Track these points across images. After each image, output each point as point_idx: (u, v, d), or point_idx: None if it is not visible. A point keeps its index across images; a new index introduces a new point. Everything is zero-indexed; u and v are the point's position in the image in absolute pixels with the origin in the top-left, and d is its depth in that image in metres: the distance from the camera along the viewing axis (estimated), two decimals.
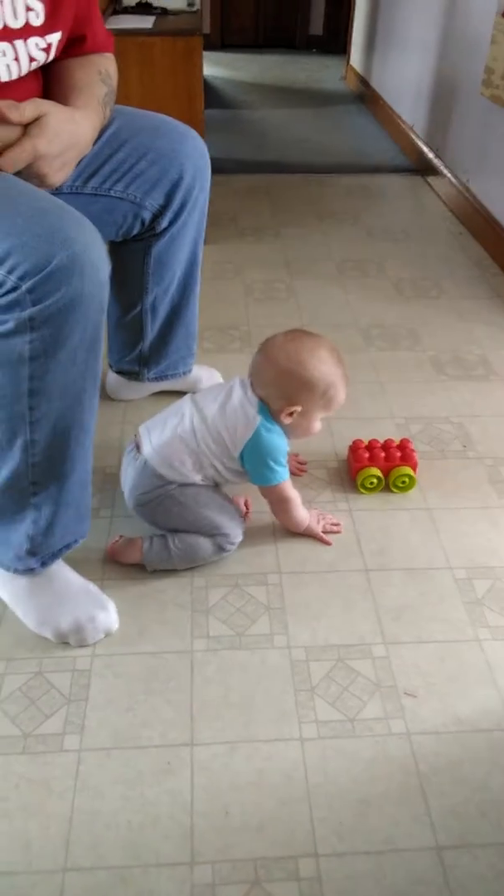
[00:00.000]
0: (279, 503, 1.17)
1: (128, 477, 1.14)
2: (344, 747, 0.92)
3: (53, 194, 0.94)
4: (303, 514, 1.20)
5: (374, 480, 1.29)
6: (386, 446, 1.32)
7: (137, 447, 1.13)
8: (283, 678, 1.00)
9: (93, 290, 0.84)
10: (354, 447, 1.33)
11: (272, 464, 1.10)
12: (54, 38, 1.01)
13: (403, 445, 1.32)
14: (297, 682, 0.99)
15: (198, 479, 1.10)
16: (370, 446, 1.32)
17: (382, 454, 1.30)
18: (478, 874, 0.80)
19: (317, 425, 1.14)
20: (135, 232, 1.25)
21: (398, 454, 1.30)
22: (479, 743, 0.93)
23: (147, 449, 1.11)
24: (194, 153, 1.22)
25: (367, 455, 1.30)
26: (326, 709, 0.96)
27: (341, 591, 1.13)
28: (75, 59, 1.09)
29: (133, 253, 1.30)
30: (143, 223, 1.24)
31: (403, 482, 1.30)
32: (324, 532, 1.22)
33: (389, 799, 0.87)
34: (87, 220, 0.86)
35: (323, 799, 0.87)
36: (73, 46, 1.09)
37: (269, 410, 1.10)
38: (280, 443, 1.10)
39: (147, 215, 1.23)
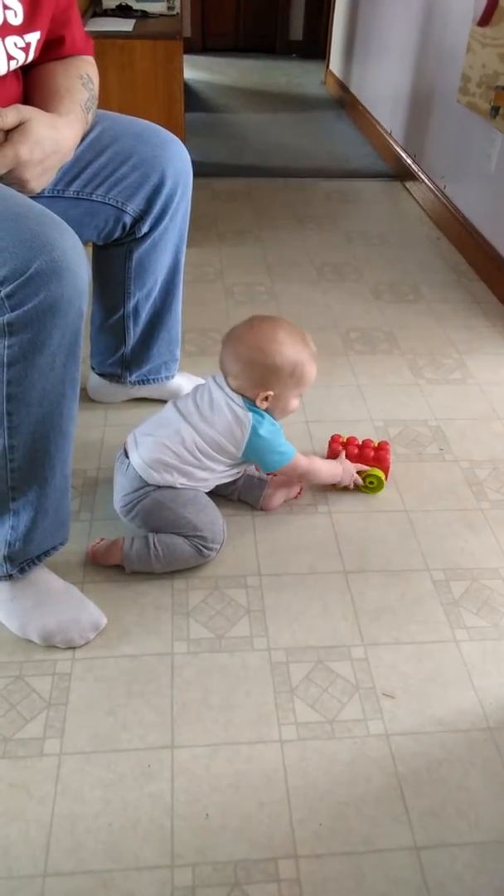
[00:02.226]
0: (303, 477, 1.25)
1: (117, 484, 1.17)
2: (323, 749, 0.93)
3: (34, 198, 0.94)
4: (333, 472, 1.26)
5: None
6: (363, 445, 1.34)
7: (126, 454, 1.16)
8: (262, 680, 1.00)
9: (72, 296, 0.84)
10: (332, 440, 1.36)
11: (278, 448, 1.15)
12: (33, 37, 1.01)
13: (381, 447, 1.33)
14: (276, 683, 1.00)
15: (178, 483, 1.12)
16: (348, 442, 1.34)
17: (356, 451, 1.32)
18: (456, 874, 0.81)
19: (294, 403, 1.18)
20: (116, 236, 1.25)
21: (371, 454, 1.32)
22: (456, 743, 0.94)
23: (135, 457, 1.13)
24: (176, 159, 1.22)
25: (338, 448, 1.33)
26: (306, 710, 0.97)
27: (320, 593, 1.14)
28: (57, 63, 1.09)
29: (115, 257, 1.30)
30: (124, 227, 1.24)
31: (371, 483, 1.31)
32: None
33: (368, 800, 0.88)
34: (67, 226, 0.86)
35: (302, 800, 0.87)
36: (52, 49, 1.09)
37: (247, 400, 1.13)
38: (275, 428, 1.15)
39: (128, 220, 1.23)
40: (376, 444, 1.34)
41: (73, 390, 0.92)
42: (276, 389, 1.13)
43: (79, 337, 0.89)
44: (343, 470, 1.28)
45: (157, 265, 1.32)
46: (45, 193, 1.11)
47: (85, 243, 0.92)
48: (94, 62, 1.16)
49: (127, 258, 1.30)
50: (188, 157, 1.26)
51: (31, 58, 1.03)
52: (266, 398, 1.13)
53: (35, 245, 0.81)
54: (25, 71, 1.07)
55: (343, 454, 1.31)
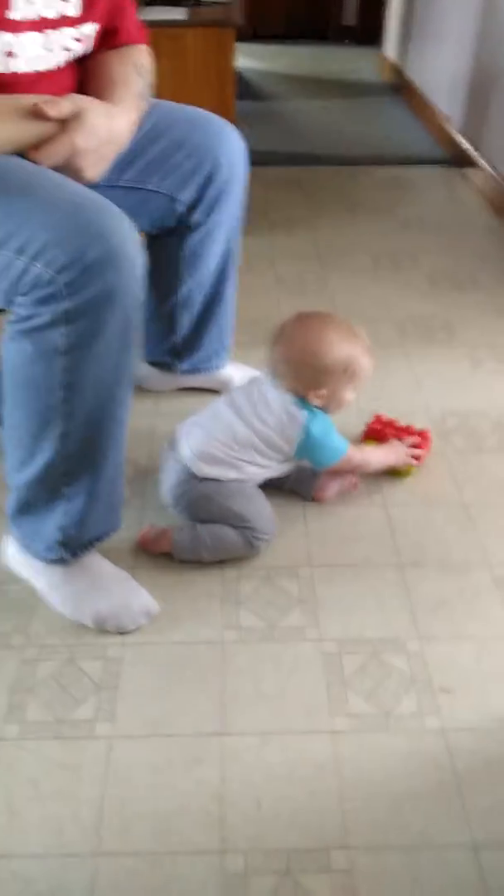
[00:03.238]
0: (357, 469, 1.23)
1: (165, 476, 1.17)
2: (377, 741, 0.91)
3: (90, 188, 0.94)
4: (387, 459, 1.26)
5: None
6: (402, 430, 1.34)
7: (173, 446, 1.16)
8: (315, 671, 0.99)
9: (128, 284, 0.84)
10: (375, 420, 1.37)
11: (331, 444, 1.14)
12: (89, 29, 1.02)
13: (419, 434, 1.33)
14: (329, 674, 0.99)
15: (225, 476, 1.12)
16: (387, 423, 1.35)
17: (392, 433, 1.33)
18: None
19: (348, 397, 1.16)
20: (168, 225, 1.25)
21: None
22: None
23: (185, 449, 1.13)
24: (231, 148, 1.21)
25: (378, 428, 1.34)
26: (359, 702, 0.95)
27: (374, 585, 1.12)
28: (111, 52, 1.09)
29: (168, 246, 1.30)
30: (176, 217, 1.24)
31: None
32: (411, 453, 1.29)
33: (424, 795, 0.86)
34: (123, 215, 0.86)
35: (355, 792, 0.86)
36: (107, 38, 1.09)
37: (300, 398, 1.12)
38: (327, 424, 1.14)
39: (181, 209, 1.23)
40: (417, 432, 1.33)
41: (127, 378, 0.93)
42: (329, 388, 1.12)
43: (134, 325, 0.89)
44: (396, 452, 1.27)
45: (210, 254, 1.31)
46: (98, 184, 1.12)
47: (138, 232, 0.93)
48: (148, 51, 1.16)
49: (179, 247, 1.29)
50: (242, 145, 1.25)
51: (86, 49, 1.04)
52: (319, 396, 1.12)
53: (93, 234, 0.81)
54: (80, 61, 1.08)
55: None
